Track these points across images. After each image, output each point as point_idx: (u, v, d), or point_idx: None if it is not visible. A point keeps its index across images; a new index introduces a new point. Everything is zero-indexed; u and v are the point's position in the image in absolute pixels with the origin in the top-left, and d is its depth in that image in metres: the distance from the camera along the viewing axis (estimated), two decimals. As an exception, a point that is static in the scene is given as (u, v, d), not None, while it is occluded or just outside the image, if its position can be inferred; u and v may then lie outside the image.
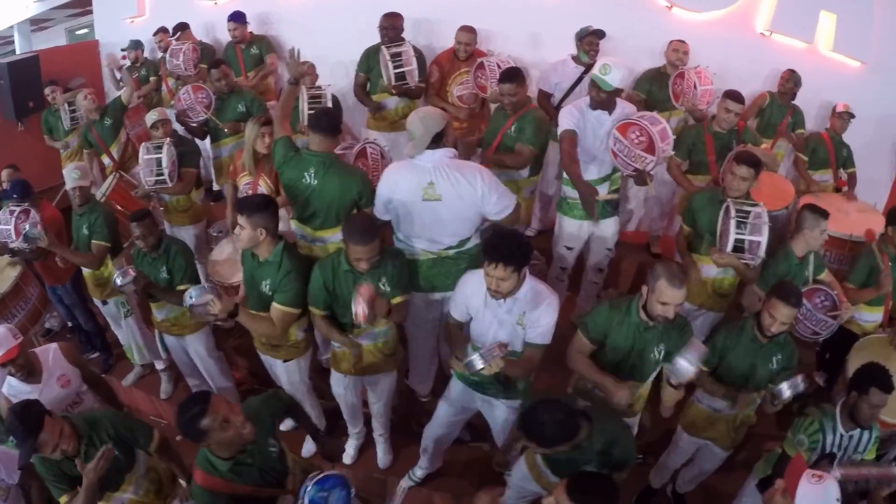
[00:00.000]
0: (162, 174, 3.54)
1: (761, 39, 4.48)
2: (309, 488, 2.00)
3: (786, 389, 2.44)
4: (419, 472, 3.17)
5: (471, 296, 2.50)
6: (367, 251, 2.44)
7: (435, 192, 2.63)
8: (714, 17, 4.46)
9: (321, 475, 2.04)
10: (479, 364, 2.29)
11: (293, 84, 3.08)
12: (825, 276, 3.16)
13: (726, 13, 4.45)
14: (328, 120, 2.82)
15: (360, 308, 2.38)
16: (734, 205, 2.85)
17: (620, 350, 2.46)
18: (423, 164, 2.66)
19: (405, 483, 3.18)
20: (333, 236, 2.92)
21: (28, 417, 2.12)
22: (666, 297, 2.26)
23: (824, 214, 2.96)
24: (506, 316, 2.43)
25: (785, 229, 3.89)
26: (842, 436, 2.45)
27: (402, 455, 3.30)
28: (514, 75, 3.28)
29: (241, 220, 2.52)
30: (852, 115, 4.23)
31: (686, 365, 2.35)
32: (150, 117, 3.84)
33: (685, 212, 3.22)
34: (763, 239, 2.79)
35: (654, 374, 2.58)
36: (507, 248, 2.26)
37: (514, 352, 2.48)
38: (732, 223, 2.78)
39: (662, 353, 2.46)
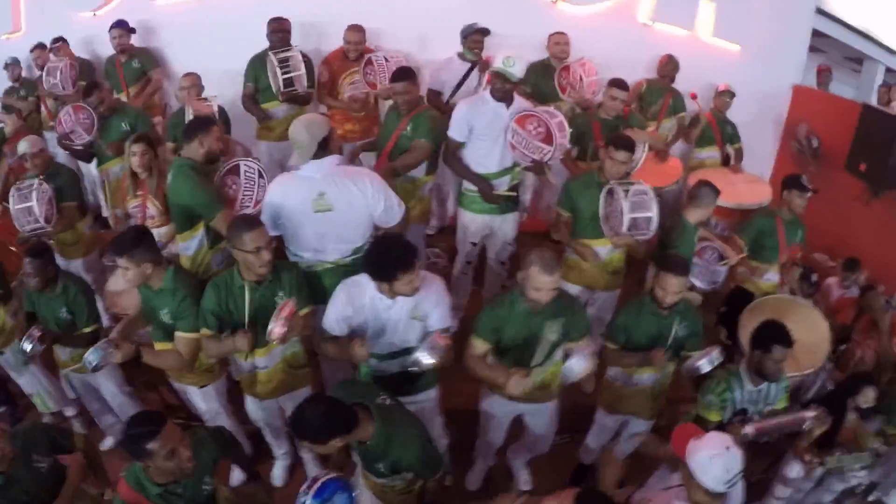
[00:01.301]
0: (38, 221, 3.27)
1: (644, 29, 4.72)
2: (308, 500, 1.88)
3: (705, 364, 2.51)
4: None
5: (350, 308, 2.45)
6: (260, 234, 2.35)
7: (326, 203, 2.57)
8: (598, 10, 4.64)
9: (317, 484, 1.91)
10: (427, 359, 2.28)
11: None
12: (701, 232, 3.35)
13: (610, 5, 4.64)
14: (186, 126, 2.81)
15: (277, 327, 2.29)
16: (619, 186, 2.91)
17: (517, 340, 2.50)
18: (311, 174, 2.59)
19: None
20: (183, 244, 2.86)
21: None
22: (539, 283, 2.31)
23: (718, 192, 3.15)
24: (398, 314, 2.42)
25: (676, 204, 4.11)
26: (750, 391, 2.57)
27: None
28: (405, 74, 3.26)
29: (121, 262, 2.42)
30: (733, 94, 4.51)
31: (568, 371, 2.37)
32: (21, 148, 3.53)
33: (562, 199, 3.22)
34: (654, 214, 2.87)
35: (559, 355, 2.59)
36: (407, 251, 2.28)
37: (410, 348, 2.48)
38: (626, 204, 2.85)
39: (559, 333, 2.50)
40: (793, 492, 2.96)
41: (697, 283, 3.28)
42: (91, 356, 2.38)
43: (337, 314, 2.47)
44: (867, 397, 2.74)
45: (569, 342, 2.55)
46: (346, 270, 2.70)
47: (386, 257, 2.29)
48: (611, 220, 2.97)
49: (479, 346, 2.53)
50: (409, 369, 2.41)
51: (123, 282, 3.33)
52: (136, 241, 2.44)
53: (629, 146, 3.01)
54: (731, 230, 3.92)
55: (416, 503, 2.44)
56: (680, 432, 1.99)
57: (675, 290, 2.57)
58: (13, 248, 3.58)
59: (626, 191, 2.88)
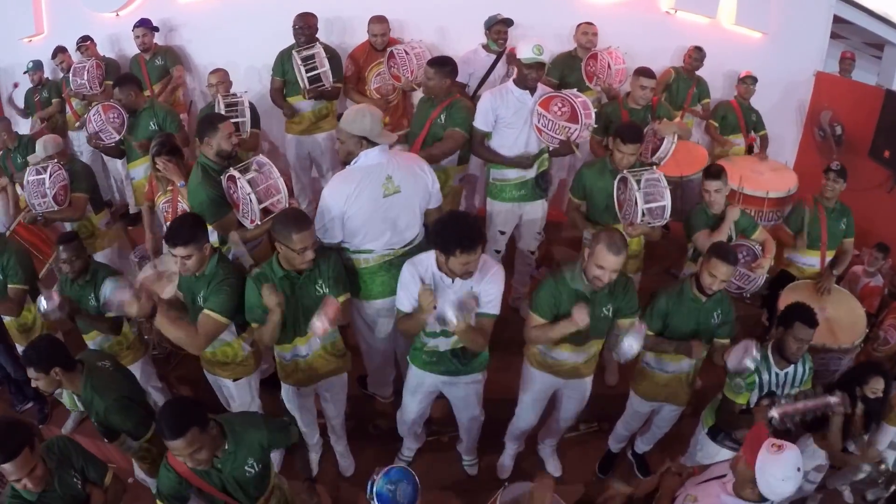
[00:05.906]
0: (46, 196, 3.33)
1: (667, 17, 4.69)
2: (377, 481, 2.01)
3: (749, 363, 2.46)
4: (407, 451, 3.20)
5: (416, 284, 2.46)
6: (309, 236, 2.36)
7: (394, 185, 2.59)
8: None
9: (387, 468, 2.05)
10: (451, 316, 2.29)
11: None
12: (759, 234, 3.25)
13: (632, -5, 4.61)
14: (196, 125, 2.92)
15: (321, 323, 2.34)
16: (632, 175, 2.89)
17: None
18: (374, 160, 2.59)
19: (398, 465, 3.14)
20: None
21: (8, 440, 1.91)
22: (604, 261, 2.33)
23: (715, 174, 3.11)
24: (455, 293, 2.43)
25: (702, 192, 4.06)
26: (777, 374, 2.58)
27: (363, 459, 3.25)
28: (436, 62, 3.30)
29: (185, 250, 2.39)
30: (755, 80, 4.48)
31: (628, 347, 2.40)
32: (44, 149, 3.60)
33: (575, 185, 3.23)
34: (666, 202, 2.86)
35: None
36: (472, 231, 2.29)
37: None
38: (639, 195, 2.85)
39: (612, 310, 2.55)
40: (803, 482, 2.92)
41: None
42: (109, 284, 2.34)
43: (407, 293, 2.49)
44: (876, 387, 2.64)
45: (619, 318, 2.59)
46: (403, 261, 2.64)
47: (451, 231, 2.30)
48: (625, 208, 2.97)
49: (539, 321, 2.56)
50: (441, 326, 2.44)
51: (149, 277, 3.41)
52: (195, 225, 2.47)
53: (637, 138, 3.01)
54: (758, 220, 3.89)
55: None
56: (756, 433, 1.93)
57: (723, 277, 2.57)
58: (23, 242, 3.61)
59: (639, 180, 2.87)
